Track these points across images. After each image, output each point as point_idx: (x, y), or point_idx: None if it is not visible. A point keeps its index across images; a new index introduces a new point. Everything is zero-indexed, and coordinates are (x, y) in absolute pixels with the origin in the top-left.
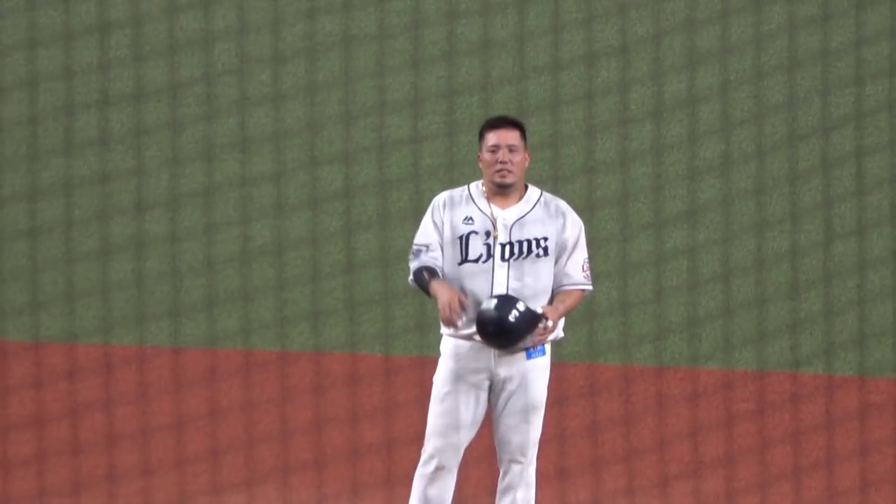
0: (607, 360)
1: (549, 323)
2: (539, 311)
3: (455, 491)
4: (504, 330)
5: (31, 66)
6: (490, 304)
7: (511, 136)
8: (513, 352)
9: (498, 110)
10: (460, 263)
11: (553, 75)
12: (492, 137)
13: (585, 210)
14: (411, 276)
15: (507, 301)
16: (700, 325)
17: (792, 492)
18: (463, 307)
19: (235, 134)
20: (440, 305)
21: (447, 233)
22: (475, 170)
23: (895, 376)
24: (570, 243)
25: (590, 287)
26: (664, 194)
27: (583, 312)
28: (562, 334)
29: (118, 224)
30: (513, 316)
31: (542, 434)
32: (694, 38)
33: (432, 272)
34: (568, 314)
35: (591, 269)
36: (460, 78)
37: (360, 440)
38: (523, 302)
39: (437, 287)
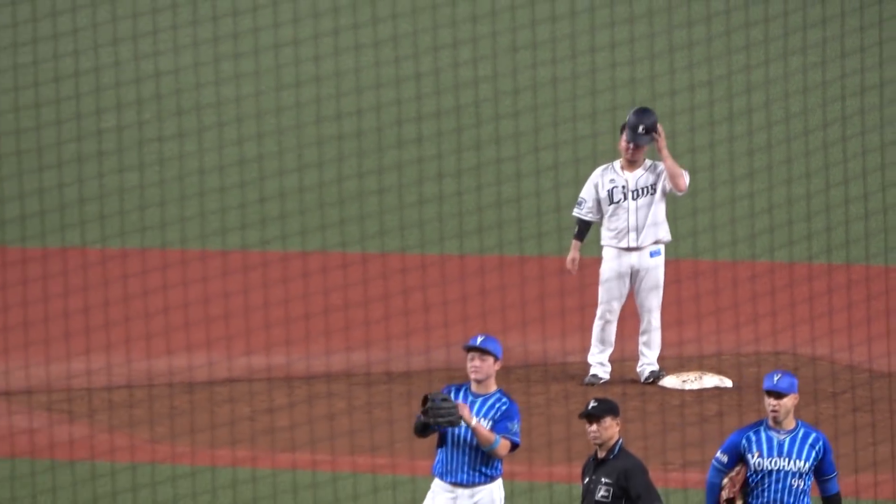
0: (703, 258)
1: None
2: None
3: (617, 334)
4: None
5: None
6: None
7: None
8: (640, 253)
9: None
10: (609, 205)
11: (670, 98)
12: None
13: (701, 170)
14: (578, 218)
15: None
16: (756, 238)
17: (809, 331)
18: (574, 265)
19: (491, 135)
20: (568, 258)
21: (602, 189)
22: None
23: (866, 264)
24: (663, 178)
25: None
26: (734, 163)
27: (689, 230)
28: (669, 237)
29: (409, 193)
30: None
31: (666, 299)
32: (749, 76)
33: (581, 230)
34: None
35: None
36: (618, 100)
37: (582, 303)
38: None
39: (574, 244)
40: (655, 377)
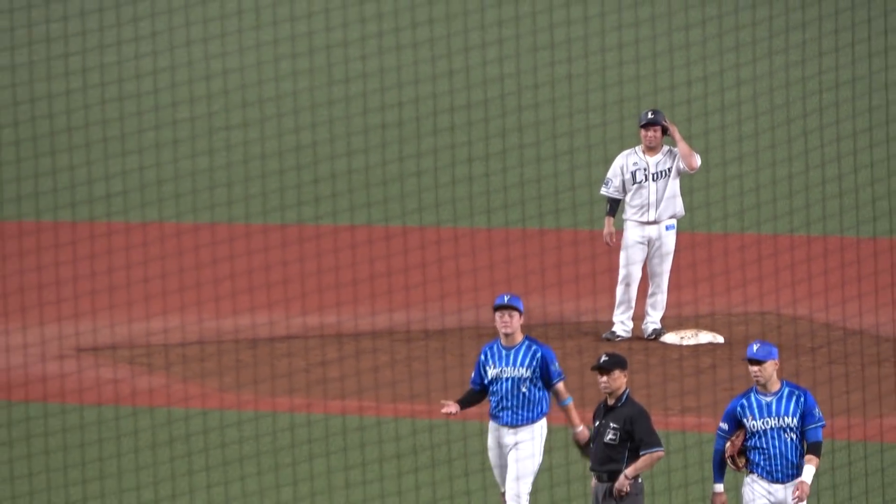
0: (699, 231)
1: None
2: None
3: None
4: None
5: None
6: None
7: (654, 128)
8: (658, 226)
9: (676, 110)
10: (632, 184)
11: (670, 92)
12: (643, 129)
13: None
14: (606, 196)
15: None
16: (744, 213)
17: (790, 294)
18: (612, 239)
19: (514, 124)
20: (604, 232)
21: (626, 171)
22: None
23: (840, 236)
24: (678, 159)
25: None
26: (726, 148)
27: (686, 207)
28: (683, 212)
29: (443, 175)
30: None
31: (679, 262)
32: (738, 72)
33: (612, 207)
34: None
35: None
36: (625, 94)
37: (595, 269)
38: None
39: (607, 220)
40: (657, 334)
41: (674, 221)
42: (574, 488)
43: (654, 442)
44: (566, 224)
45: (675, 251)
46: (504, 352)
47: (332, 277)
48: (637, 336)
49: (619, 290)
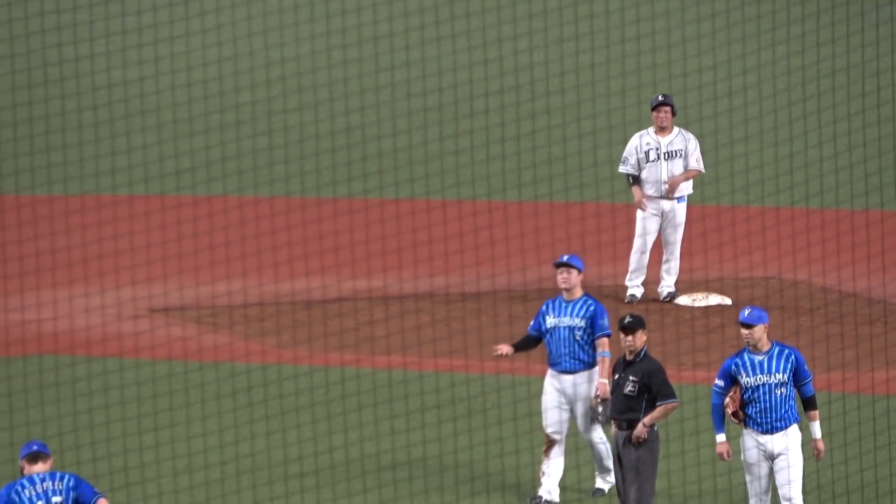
0: (709, 204)
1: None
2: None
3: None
4: None
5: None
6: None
7: (664, 109)
8: (671, 200)
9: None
10: (646, 163)
11: (683, 79)
12: (654, 111)
13: (707, 135)
14: (625, 173)
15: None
16: (750, 188)
17: (791, 260)
18: (643, 205)
19: (543, 107)
20: (635, 200)
21: (640, 151)
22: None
23: (836, 209)
24: (691, 149)
25: (702, 168)
26: (733, 129)
27: (697, 182)
28: (691, 189)
29: (479, 153)
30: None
31: (690, 232)
32: (745, 61)
33: (634, 179)
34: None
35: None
36: (642, 80)
37: (615, 239)
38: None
39: (634, 189)
40: (671, 297)
41: (684, 195)
42: None
43: (669, 394)
44: (589, 198)
45: (687, 222)
46: (564, 305)
47: (379, 245)
48: (653, 298)
49: (634, 257)
